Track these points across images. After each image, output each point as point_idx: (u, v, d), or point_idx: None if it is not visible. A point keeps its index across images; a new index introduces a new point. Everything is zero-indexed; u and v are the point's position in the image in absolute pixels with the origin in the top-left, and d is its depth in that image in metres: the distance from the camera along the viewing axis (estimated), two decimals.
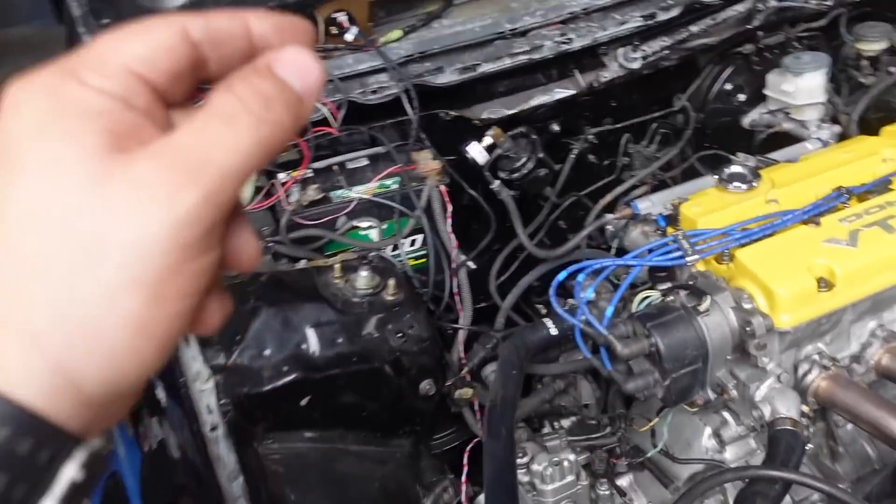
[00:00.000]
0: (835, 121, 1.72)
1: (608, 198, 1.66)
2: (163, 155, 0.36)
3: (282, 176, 1.48)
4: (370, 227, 1.48)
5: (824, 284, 1.15)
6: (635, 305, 1.22)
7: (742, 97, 1.82)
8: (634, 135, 1.79)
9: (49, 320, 0.34)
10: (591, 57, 1.77)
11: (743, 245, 1.23)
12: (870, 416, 1.15)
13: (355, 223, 1.47)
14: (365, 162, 1.55)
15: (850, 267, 1.16)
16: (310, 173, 1.51)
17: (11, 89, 0.36)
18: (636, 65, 1.71)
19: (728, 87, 1.79)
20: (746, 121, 1.84)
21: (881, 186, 1.31)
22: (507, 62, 1.70)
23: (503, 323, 1.59)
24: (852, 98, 1.74)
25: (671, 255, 1.24)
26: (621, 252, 1.56)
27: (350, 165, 1.55)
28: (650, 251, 1.26)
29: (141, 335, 0.35)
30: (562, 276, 1.26)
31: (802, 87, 1.68)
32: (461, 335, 1.53)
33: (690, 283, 1.21)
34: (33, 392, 0.33)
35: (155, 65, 0.38)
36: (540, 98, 1.72)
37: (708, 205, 1.31)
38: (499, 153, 1.51)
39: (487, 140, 1.50)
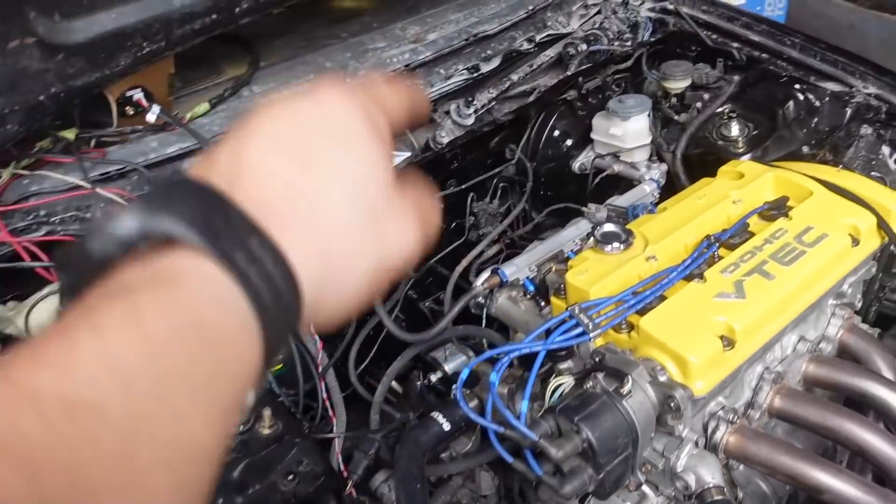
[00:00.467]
0: (660, 158, 1.77)
1: (464, 263, 1.56)
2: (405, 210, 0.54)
3: None
4: None
5: (727, 342, 1.13)
6: (549, 396, 1.12)
7: (569, 142, 1.81)
8: (476, 192, 1.71)
9: (329, 235, 0.48)
10: None
11: (639, 311, 1.18)
12: (786, 467, 1.15)
13: None
14: None
15: (746, 320, 1.15)
16: None
17: (336, 91, 0.53)
18: (470, 121, 1.63)
19: (556, 134, 1.78)
20: (576, 165, 1.84)
21: (741, 230, 1.33)
22: None
23: (377, 420, 1.43)
24: (670, 135, 1.79)
25: (573, 334, 1.16)
26: (490, 322, 1.48)
27: None
28: (548, 332, 1.17)
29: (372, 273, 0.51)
30: (465, 372, 1.14)
31: (631, 130, 1.71)
32: (337, 444, 1.34)
33: (602, 362, 1.13)
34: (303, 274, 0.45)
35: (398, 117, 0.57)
36: None
37: (593, 270, 1.25)
38: None
39: None
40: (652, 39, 1.96)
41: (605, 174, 1.77)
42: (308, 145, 0.50)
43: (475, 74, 1.70)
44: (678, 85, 1.83)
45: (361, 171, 0.51)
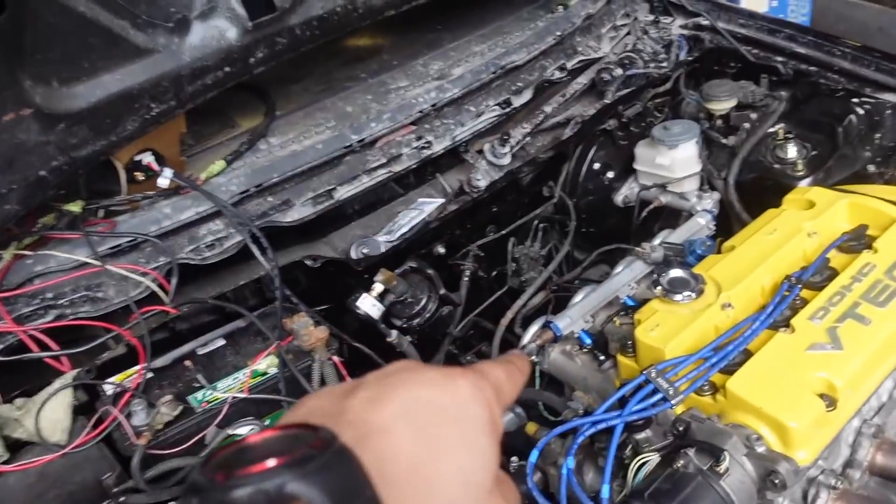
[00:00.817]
0: (711, 186, 1.64)
1: (509, 316, 1.43)
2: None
3: (109, 388, 1.09)
4: (251, 430, 1.12)
5: (828, 401, 0.99)
6: (632, 476, 0.98)
7: (611, 174, 1.69)
8: (515, 235, 1.58)
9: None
10: (451, 157, 1.55)
11: (724, 370, 1.05)
12: None
13: (230, 431, 1.10)
14: (221, 343, 1.20)
15: (847, 375, 1.02)
16: (150, 375, 1.12)
17: (470, 384, 0.57)
18: (506, 160, 1.51)
19: (596, 166, 1.65)
20: (619, 198, 1.71)
21: (823, 267, 1.20)
22: (365, 181, 1.42)
23: None
24: (718, 161, 1.66)
25: (652, 401, 1.02)
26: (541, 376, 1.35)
27: (203, 351, 1.18)
28: (623, 400, 1.03)
29: None
30: (534, 456, 1.01)
31: (678, 158, 1.58)
32: None
33: (687, 433, 0.99)
34: None
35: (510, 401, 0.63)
36: (409, 216, 1.46)
37: (665, 325, 1.12)
38: (392, 299, 1.22)
39: (378, 287, 1.21)
40: (689, 58, 1.83)
41: (651, 206, 1.64)
42: (438, 430, 0.53)
43: (507, 109, 1.58)
44: (723, 106, 1.70)
45: (477, 464, 0.54)
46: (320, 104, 1.59)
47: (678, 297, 1.16)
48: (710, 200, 1.60)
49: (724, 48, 1.86)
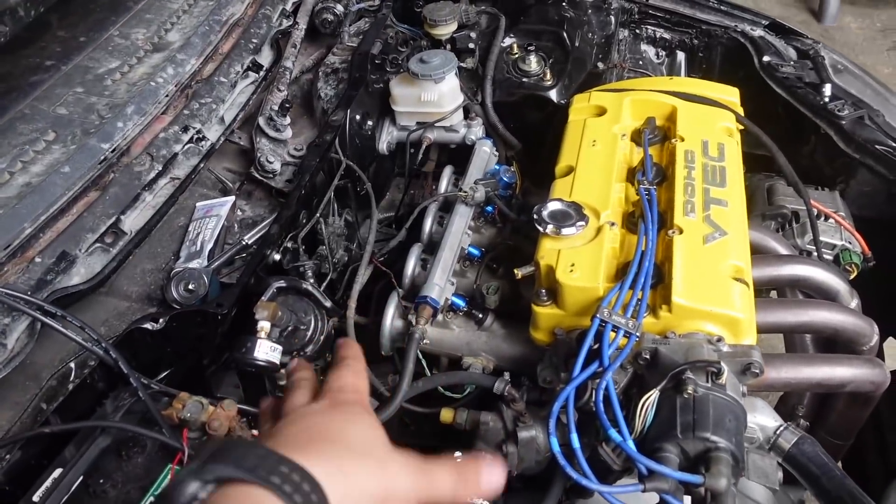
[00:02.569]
0: (467, 113, 1.60)
1: (352, 305, 1.25)
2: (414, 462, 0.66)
3: None
4: None
5: (743, 282, 1.08)
6: (641, 417, 0.95)
7: (370, 122, 1.54)
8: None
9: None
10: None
11: (652, 286, 1.06)
12: (809, 376, 1.16)
13: None
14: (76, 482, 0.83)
15: (744, 254, 1.11)
16: None
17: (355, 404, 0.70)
18: (288, 132, 1.28)
19: (357, 118, 1.49)
20: (383, 146, 1.58)
21: (658, 169, 1.27)
22: (149, 199, 1.10)
23: None
24: (467, 86, 1.63)
25: (618, 340, 0.99)
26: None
27: None
28: (591, 350, 0.99)
29: None
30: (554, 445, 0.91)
31: (445, 91, 1.51)
32: None
33: (657, 358, 0.99)
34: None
35: None
36: (206, 227, 1.16)
37: (577, 261, 1.08)
38: (277, 335, 0.98)
39: (265, 327, 0.94)
40: None
41: (424, 146, 1.55)
42: (333, 424, 0.66)
43: (262, 73, 1.32)
44: (448, 30, 1.66)
45: (367, 433, 0.67)
46: (15, 113, 1.15)
47: (572, 230, 1.13)
48: (480, 128, 1.58)
49: None
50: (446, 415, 1.15)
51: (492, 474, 0.68)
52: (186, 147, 1.15)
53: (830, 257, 1.46)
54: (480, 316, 1.25)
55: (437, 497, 0.65)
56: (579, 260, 1.09)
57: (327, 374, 0.75)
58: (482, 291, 1.25)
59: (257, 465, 0.53)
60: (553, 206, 1.16)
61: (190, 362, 1.00)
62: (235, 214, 1.25)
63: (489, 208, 1.40)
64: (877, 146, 1.50)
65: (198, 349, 1.00)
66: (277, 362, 0.93)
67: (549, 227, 1.13)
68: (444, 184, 1.49)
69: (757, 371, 0.99)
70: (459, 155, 1.59)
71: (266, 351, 0.92)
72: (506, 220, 1.39)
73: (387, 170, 1.66)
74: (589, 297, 1.07)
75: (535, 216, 1.16)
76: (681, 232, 1.13)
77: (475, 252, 1.33)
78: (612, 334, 1.01)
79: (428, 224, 1.40)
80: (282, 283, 1.02)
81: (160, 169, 1.10)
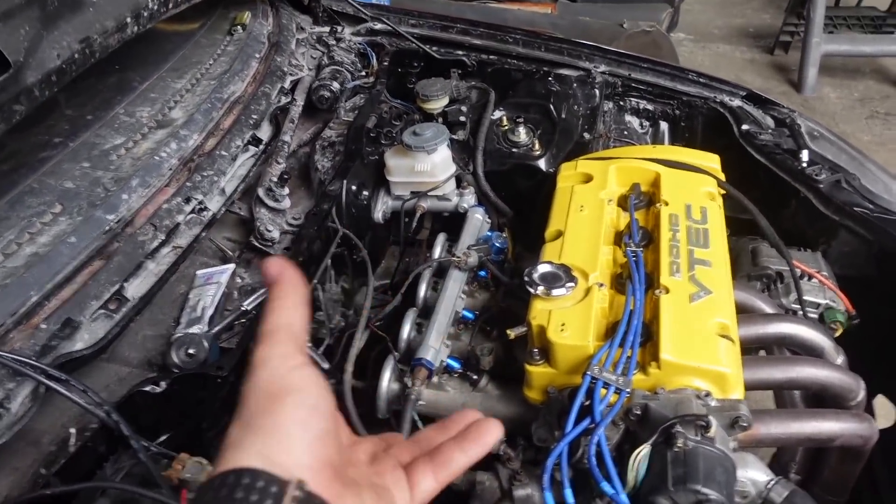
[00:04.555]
0: (459, 182, 1.66)
1: (349, 369, 1.27)
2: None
3: None
4: None
5: (729, 339, 1.11)
6: (635, 469, 0.97)
7: (366, 192, 1.60)
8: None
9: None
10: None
11: (641, 344, 1.09)
12: (798, 431, 1.18)
13: None
14: None
15: (729, 312, 1.14)
16: None
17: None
18: (286, 202, 1.32)
19: (353, 188, 1.54)
20: (378, 215, 1.63)
21: (644, 233, 1.31)
22: (152, 267, 1.14)
23: None
24: (459, 157, 1.69)
25: (609, 397, 1.02)
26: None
27: None
28: (582, 410, 1.01)
29: None
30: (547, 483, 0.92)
31: (437, 162, 1.57)
32: None
33: (647, 414, 1.01)
34: None
35: None
36: (206, 293, 1.19)
37: (567, 321, 1.12)
38: None
39: None
40: (385, 63, 1.82)
41: (418, 215, 1.60)
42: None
43: (261, 146, 1.38)
44: (440, 104, 1.73)
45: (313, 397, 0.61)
46: (24, 187, 1.19)
47: (562, 290, 1.16)
48: (472, 196, 1.63)
49: (407, 50, 1.89)
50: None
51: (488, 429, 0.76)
52: (189, 217, 1.20)
53: (815, 316, 1.50)
54: (475, 377, 1.27)
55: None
56: (570, 320, 1.13)
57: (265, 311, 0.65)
58: (476, 353, 1.28)
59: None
60: (543, 268, 1.20)
61: (190, 426, 1.02)
62: (235, 282, 1.28)
63: (482, 273, 1.44)
64: (855, 208, 1.55)
65: (198, 412, 1.02)
66: None
67: (540, 289, 1.17)
68: (437, 250, 1.53)
69: (745, 424, 1.02)
70: (453, 223, 1.64)
71: None
72: (499, 284, 1.43)
73: (382, 238, 1.70)
74: (580, 356, 1.10)
75: (525, 278, 1.19)
76: (667, 291, 1.16)
77: (469, 315, 1.36)
78: (603, 391, 1.03)
79: (423, 289, 1.44)
80: None
81: (163, 238, 1.14)
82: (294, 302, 0.64)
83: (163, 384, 0.97)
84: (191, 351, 1.07)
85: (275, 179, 1.33)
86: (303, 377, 0.60)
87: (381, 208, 1.64)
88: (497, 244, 1.47)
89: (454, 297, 1.36)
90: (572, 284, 1.18)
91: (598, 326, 1.14)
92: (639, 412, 1.03)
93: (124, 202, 1.14)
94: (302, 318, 0.64)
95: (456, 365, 1.27)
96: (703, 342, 1.09)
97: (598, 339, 1.12)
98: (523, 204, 1.66)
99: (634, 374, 1.07)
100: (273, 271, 0.64)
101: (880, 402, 1.58)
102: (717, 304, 1.15)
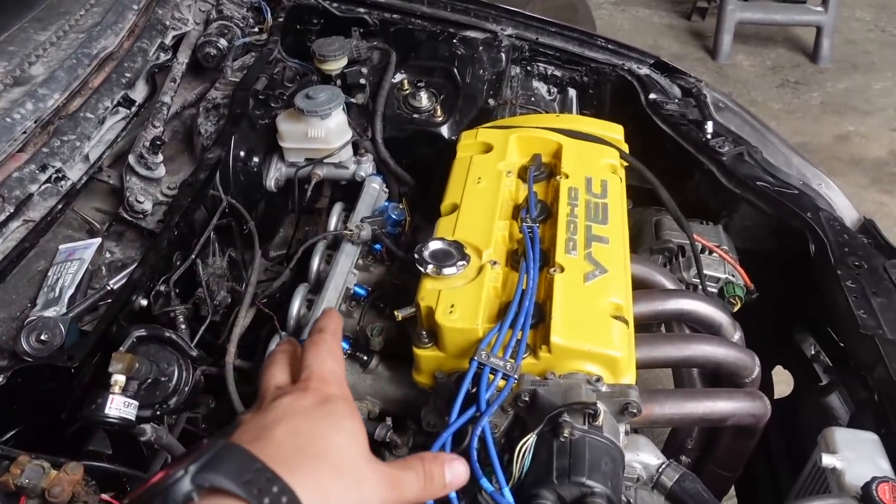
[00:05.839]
0: (356, 149, 1.58)
1: (232, 350, 1.20)
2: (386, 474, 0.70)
3: None
4: None
5: (623, 320, 1.08)
6: (519, 462, 0.93)
7: (256, 159, 1.50)
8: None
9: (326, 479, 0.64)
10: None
11: (532, 326, 1.05)
12: (692, 411, 1.17)
13: None
14: None
15: (623, 292, 1.11)
16: None
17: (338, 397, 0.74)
18: (161, 171, 1.22)
19: (241, 154, 1.44)
20: (270, 183, 1.54)
21: (543, 206, 1.26)
22: None
23: None
24: (357, 121, 1.60)
25: (496, 383, 0.97)
26: None
27: None
28: (469, 397, 0.96)
29: None
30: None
31: (332, 127, 1.48)
32: None
33: (536, 399, 0.98)
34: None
35: None
36: (67, 271, 1.09)
37: (459, 302, 1.06)
38: (135, 388, 0.91)
39: (120, 380, 0.88)
40: (280, 19, 1.70)
41: (313, 183, 1.51)
42: (315, 431, 0.67)
43: (134, 108, 1.26)
44: (338, 65, 1.64)
45: (346, 439, 0.68)
46: None
47: (453, 269, 1.10)
48: (370, 164, 1.55)
49: (305, 5, 1.78)
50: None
51: (454, 469, 0.75)
52: (43, 187, 1.08)
53: (715, 290, 1.49)
54: (365, 358, 1.21)
55: (408, 501, 0.71)
56: (459, 301, 1.07)
57: (304, 350, 0.79)
58: (366, 333, 1.22)
59: (252, 481, 0.57)
60: (434, 245, 1.14)
61: (44, 419, 0.93)
62: (103, 257, 1.18)
63: (377, 246, 1.37)
64: (757, 182, 1.55)
65: (51, 405, 0.93)
66: (133, 418, 0.87)
67: (430, 268, 1.11)
68: (333, 221, 1.45)
69: (634, 411, 0.99)
70: (353, 190, 1.56)
71: (119, 407, 0.85)
72: (394, 259, 1.36)
73: (277, 207, 1.61)
74: (468, 339, 1.04)
75: (415, 255, 1.13)
76: (562, 270, 1.12)
77: (360, 291, 1.30)
78: (491, 376, 0.99)
79: (315, 263, 1.36)
80: (142, 332, 0.96)
81: (12, 211, 1.03)
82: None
83: (2, 377, 0.87)
84: (43, 337, 0.97)
85: (147, 145, 1.22)
86: None
87: (274, 175, 1.54)
88: (394, 216, 1.40)
89: (345, 272, 1.29)
90: (464, 263, 1.12)
91: (489, 307, 1.09)
92: (527, 399, 0.99)
93: None
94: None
95: (345, 346, 1.20)
96: (595, 324, 1.05)
97: (489, 321, 1.07)
98: (424, 173, 1.59)
99: (524, 358, 1.03)
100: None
101: (779, 371, 1.61)
102: (611, 284, 1.11)
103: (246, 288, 1.28)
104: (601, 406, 0.95)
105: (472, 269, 1.13)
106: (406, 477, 0.71)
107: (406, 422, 1.17)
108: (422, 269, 1.11)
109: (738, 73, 4.75)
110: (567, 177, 1.31)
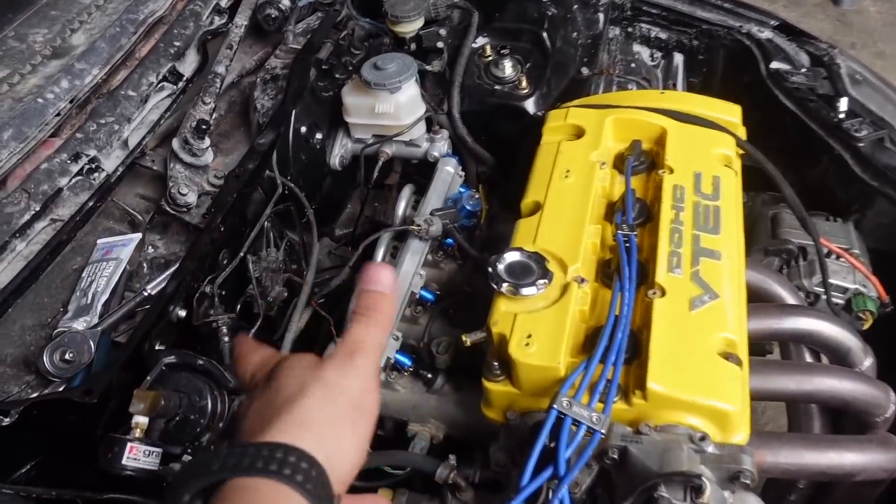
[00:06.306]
0: (430, 125, 1.41)
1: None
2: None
3: None
4: None
5: (735, 360, 0.89)
6: None
7: (319, 135, 1.35)
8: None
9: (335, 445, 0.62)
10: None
11: (625, 362, 0.88)
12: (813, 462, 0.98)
13: None
14: None
15: (738, 324, 0.93)
16: None
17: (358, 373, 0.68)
18: (209, 156, 1.09)
19: (303, 130, 1.29)
20: (335, 160, 1.39)
21: (642, 207, 1.08)
22: (22, 248, 0.91)
23: None
24: (432, 92, 1.43)
25: (579, 438, 0.81)
26: None
27: None
28: (545, 448, 0.81)
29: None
30: None
31: (403, 102, 1.31)
32: None
33: (626, 458, 0.81)
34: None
35: None
36: (102, 272, 0.98)
37: (537, 332, 0.90)
38: (162, 426, 0.80)
39: (141, 422, 0.77)
40: None
41: (380, 163, 1.36)
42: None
43: (182, 83, 1.13)
44: (413, 27, 1.46)
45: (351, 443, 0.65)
46: None
47: (532, 290, 0.94)
48: (445, 141, 1.39)
49: None
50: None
51: None
52: (74, 180, 0.97)
53: (842, 303, 1.28)
54: (430, 376, 1.07)
55: None
56: (538, 329, 0.91)
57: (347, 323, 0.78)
58: (432, 350, 1.07)
59: (252, 462, 0.56)
60: (511, 257, 0.98)
61: (68, 449, 0.83)
62: (145, 252, 1.06)
63: (449, 241, 1.22)
64: None
65: (73, 435, 0.83)
66: (156, 468, 0.76)
67: (505, 286, 0.95)
68: (401, 207, 1.30)
69: (748, 481, 0.81)
70: (425, 167, 1.40)
71: (138, 457, 0.74)
72: (466, 257, 1.21)
73: (343, 183, 1.47)
74: (547, 378, 0.88)
75: (489, 269, 0.97)
76: (663, 294, 0.94)
77: (428, 296, 1.15)
78: (574, 427, 0.83)
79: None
80: (171, 360, 0.84)
81: (38, 209, 0.92)
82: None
83: (13, 414, 0.77)
84: (68, 356, 0.87)
85: (193, 127, 1.08)
86: None
87: (339, 153, 1.40)
88: (468, 206, 1.24)
89: (410, 274, 1.14)
90: (545, 281, 0.95)
91: (574, 337, 0.92)
92: (615, 457, 0.83)
93: None
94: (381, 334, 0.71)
95: (407, 362, 1.06)
96: (702, 367, 0.87)
97: (573, 353, 0.90)
98: (505, 150, 1.41)
99: (615, 402, 0.87)
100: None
101: None
102: (723, 313, 0.92)
103: (302, 287, 1.15)
104: (707, 477, 0.78)
105: (555, 289, 0.96)
106: None
107: (473, 454, 1.03)
108: (496, 287, 0.95)
109: (863, 20, 4.27)
110: (672, 171, 1.11)
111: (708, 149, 1.16)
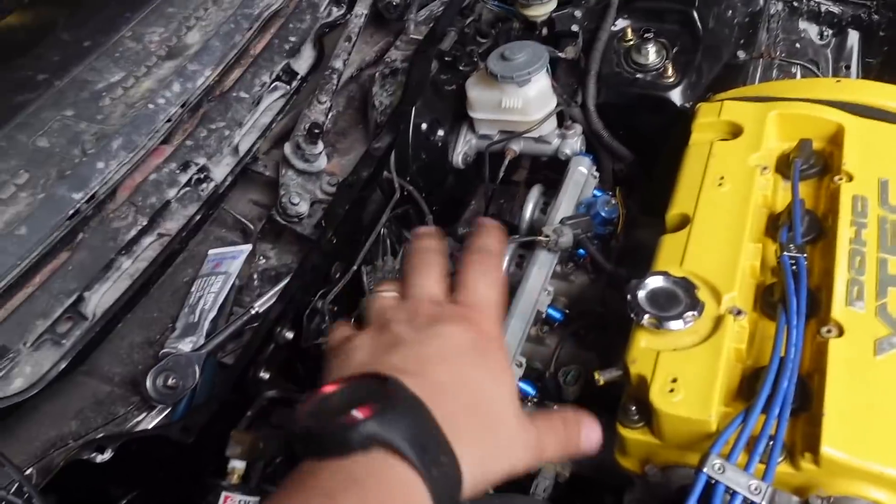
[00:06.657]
0: (562, 119, 1.28)
1: None
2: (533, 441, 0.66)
3: None
4: None
5: None
6: None
7: (441, 132, 1.26)
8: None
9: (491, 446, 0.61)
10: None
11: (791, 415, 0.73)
12: None
13: None
14: None
15: None
16: None
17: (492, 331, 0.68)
18: (322, 161, 1.02)
19: (423, 126, 1.20)
20: (458, 158, 1.30)
21: (812, 221, 0.91)
22: (128, 266, 0.87)
23: None
24: (566, 82, 1.30)
25: None
26: None
27: None
28: None
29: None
30: None
31: (532, 96, 1.20)
32: None
33: None
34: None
35: None
36: (211, 286, 0.93)
37: (685, 375, 0.77)
38: (260, 468, 0.73)
39: (238, 467, 0.71)
40: None
41: (507, 161, 1.25)
42: (479, 383, 0.63)
43: (296, 82, 1.06)
44: (546, 9, 1.33)
45: (505, 391, 0.65)
46: None
47: (679, 323, 0.81)
48: (578, 138, 1.26)
49: None
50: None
51: (590, 435, 0.69)
52: (182, 192, 0.92)
53: None
54: (556, 408, 0.96)
55: (544, 460, 0.68)
56: (686, 372, 0.78)
57: (463, 266, 0.71)
58: (559, 381, 0.96)
59: (425, 448, 0.54)
60: (655, 283, 0.84)
61: (163, 485, 0.78)
62: (256, 263, 1.01)
63: (581, 251, 1.10)
64: None
65: (172, 468, 0.78)
66: None
67: (647, 318, 0.82)
68: (528, 210, 1.20)
69: None
70: (556, 164, 1.28)
71: None
72: (600, 271, 1.08)
73: (468, 179, 1.37)
74: (695, 431, 0.75)
75: (628, 297, 0.84)
76: (840, 333, 0.78)
77: (556, 315, 1.04)
78: (727, 496, 0.70)
79: (503, 267, 1.12)
80: (272, 394, 0.77)
81: (145, 223, 0.88)
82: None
83: (110, 451, 0.73)
84: (171, 382, 0.82)
85: (305, 131, 1.02)
86: None
87: (463, 150, 1.30)
88: (603, 213, 1.11)
89: (536, 291, 1.03)
90: (694, 314, 0.81)
91: (728, 381, 0.78)
92: None
93: (98, 173, 0.88)
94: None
95: (531, 392, 0.96)
96: (890, 428, 0.72)
97: (726, 401, 0.77)
98: (647, 148, 1.27)
99: (779, 464, 0.73)
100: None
101: None
102: None
103: None
104: None
105: (707, 322, 0.82)
106: (548, 441, 0.67)
107: (603, 497, 0.92)
108: (636, 319, 0.83)
109: None
110: (850, 178, 0.94)
111: (893, 149, 0.97)
